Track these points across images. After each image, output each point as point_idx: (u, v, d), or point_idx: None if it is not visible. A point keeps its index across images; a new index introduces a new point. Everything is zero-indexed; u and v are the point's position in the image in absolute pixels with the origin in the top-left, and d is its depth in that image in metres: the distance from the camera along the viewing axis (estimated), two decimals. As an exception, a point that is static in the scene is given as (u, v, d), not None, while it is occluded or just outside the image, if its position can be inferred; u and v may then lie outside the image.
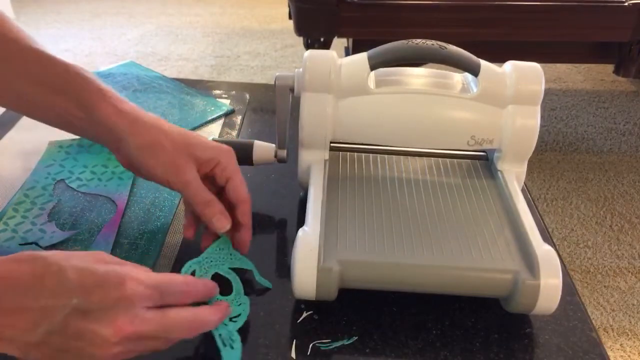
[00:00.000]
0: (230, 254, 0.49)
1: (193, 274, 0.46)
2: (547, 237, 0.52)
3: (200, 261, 0.47)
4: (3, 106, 0.52)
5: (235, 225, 0.49)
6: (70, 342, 0.35)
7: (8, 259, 0.35)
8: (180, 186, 0.47)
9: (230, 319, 0.44)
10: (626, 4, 1.60)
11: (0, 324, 0.34)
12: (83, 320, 0.34)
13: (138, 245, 0.52)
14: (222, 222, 0.47)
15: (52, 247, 0.51)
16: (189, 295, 0.40)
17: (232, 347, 0.41)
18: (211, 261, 0.47)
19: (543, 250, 0.44)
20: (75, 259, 0.36)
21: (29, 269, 0.35)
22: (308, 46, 1.69)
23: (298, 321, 0.46)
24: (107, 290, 0.35)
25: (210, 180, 0.49)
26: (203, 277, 0.46)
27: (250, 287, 0.48)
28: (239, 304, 0.45)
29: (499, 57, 0.65)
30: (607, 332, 1.33)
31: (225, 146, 0.49)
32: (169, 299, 0.38)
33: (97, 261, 0.37)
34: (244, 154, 0.57)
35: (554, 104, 2.27)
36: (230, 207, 0.48)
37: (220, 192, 0.49)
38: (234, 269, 0.48)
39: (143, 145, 0.46)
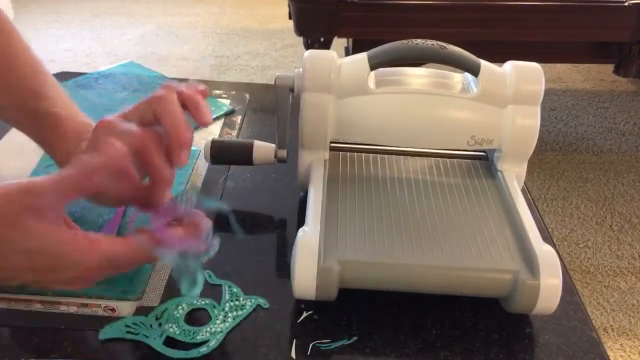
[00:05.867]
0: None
1: None
2: (547, 237, 0.52)
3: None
4: None
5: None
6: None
7: None
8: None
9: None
10: (626, 4, 1.60)
11: None
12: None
13: (138, 245, 0.52)
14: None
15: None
16: None
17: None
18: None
19: (543, 250, 0.44)
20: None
21: None
22: (308, 46, 1.69)
23: (298, 321, 0.46)
24: None
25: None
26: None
27: (251, 288, 0.48)
28: None
29: (499, 57, 0.64)
30: (607, 332, 1.33)
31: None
32: None
33: None
34: (244, 154, 0.57)
35: (554, 104, 2.27)
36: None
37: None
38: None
39: None
